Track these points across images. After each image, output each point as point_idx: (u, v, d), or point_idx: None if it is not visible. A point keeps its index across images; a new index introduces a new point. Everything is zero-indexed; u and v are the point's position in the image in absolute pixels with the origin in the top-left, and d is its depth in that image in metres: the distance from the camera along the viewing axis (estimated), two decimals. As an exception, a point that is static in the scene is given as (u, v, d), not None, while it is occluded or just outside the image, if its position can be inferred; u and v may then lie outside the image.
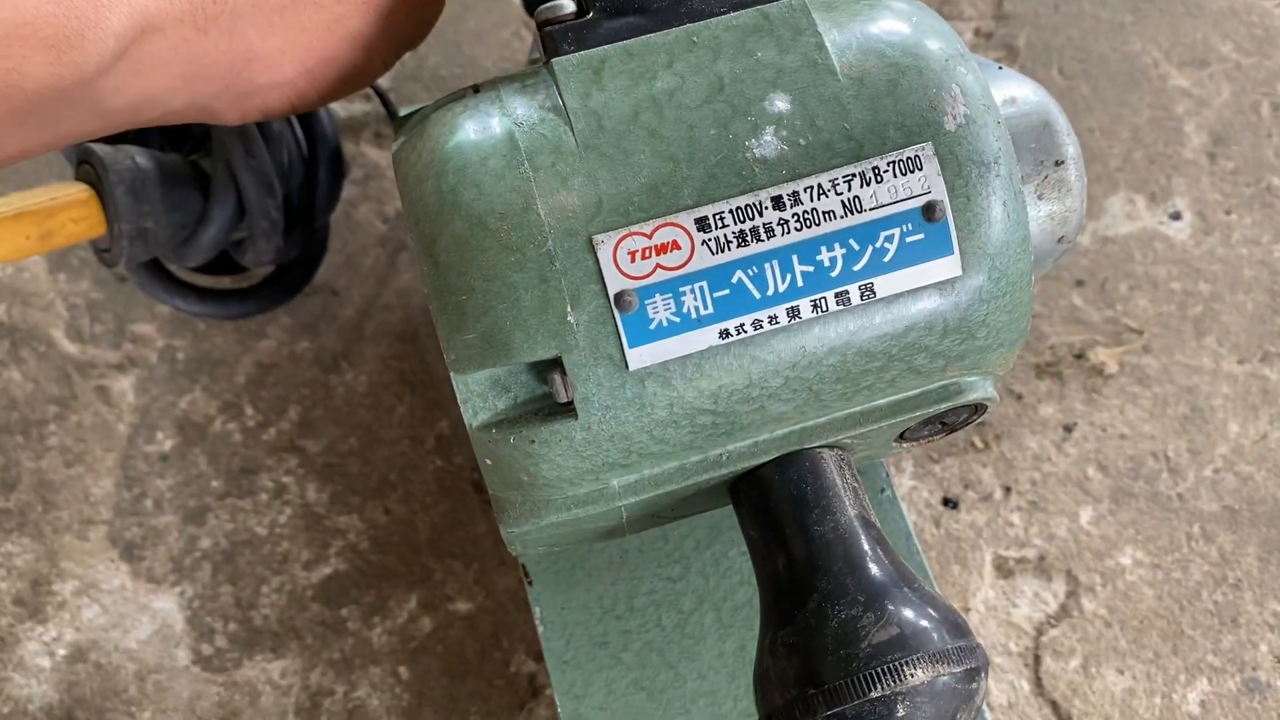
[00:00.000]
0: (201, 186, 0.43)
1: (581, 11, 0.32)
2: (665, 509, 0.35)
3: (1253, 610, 0.46)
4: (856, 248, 0.30)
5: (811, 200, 0.30)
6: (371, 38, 0.36)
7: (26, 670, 0.46)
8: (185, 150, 0.45)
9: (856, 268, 0.30)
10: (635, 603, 0.41)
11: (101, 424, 0.50)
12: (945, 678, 0.29)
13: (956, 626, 0.30)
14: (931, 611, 0.30)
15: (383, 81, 0.55)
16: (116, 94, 0.33)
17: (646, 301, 0.30)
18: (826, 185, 0.30)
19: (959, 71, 0.31)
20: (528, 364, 0.30)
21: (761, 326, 0.30)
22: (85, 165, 0.42)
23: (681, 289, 0.30)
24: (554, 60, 0.32)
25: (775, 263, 0.30)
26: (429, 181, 0.31)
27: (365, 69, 0.37)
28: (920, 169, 0.30)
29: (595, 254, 0.30)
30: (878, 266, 0.31)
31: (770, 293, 0.30)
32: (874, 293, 0.31)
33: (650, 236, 0.30)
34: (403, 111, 0.37)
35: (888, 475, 0.43)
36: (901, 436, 0.35)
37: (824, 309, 0.30)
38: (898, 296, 0.31)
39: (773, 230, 0.30)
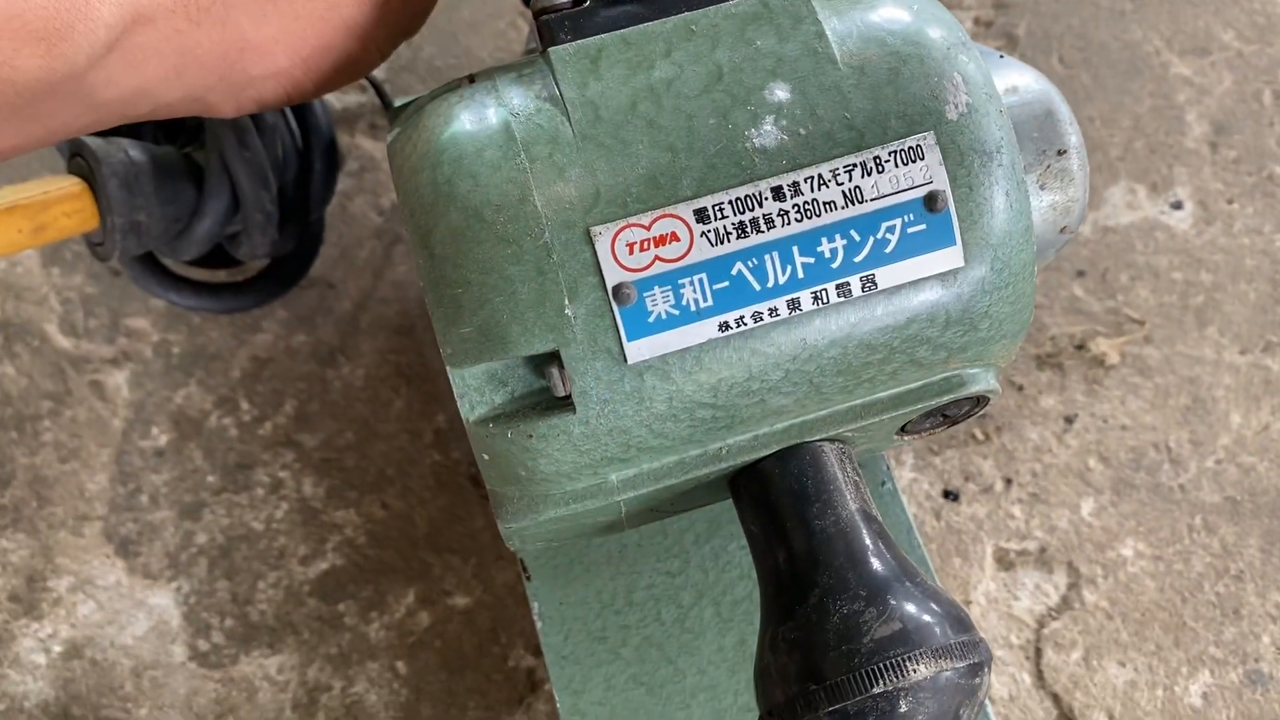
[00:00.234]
0: (195, 179, 0.43)
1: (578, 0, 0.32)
2: (664, 503, 0.35)
3: (1255, 602, 0.46)
4: (857, 239, 0.30)
5: (812, 191, 0.30)
6: (367, 26, 0.35)
7: (22, 667, 0.46)
8: (179, 143, 0.44)
9: (858, 259, 0.30)
10: (634, 597, 0.41)
11: (96, 419, 0.50)
12: (948, 673, 0.29)
13: (959, 621, 0.30)
14: (934, 606, 0.30)
15: (378, 73, 0.55)
16: (108, 87, 0.32)
17: (645, 294, 0.29)
18: (827, 175, 0.30)
19: (961, 60, 0.31)
20: (525, 358, 0.30)
21: (761, 319, 0.30)
22: (78, 158, 0.41)
23: (680, 281, 0.30)
24: (550, 49, 0.31)
25: (775, 254, 0.30)
26: (424, 173, 0.30)
27: (361, 58, 0.36)
28: (922, 158, 0.30)
29: (593, 246, 0.29)
30: (879, 258, 0.30)
31: (770, 284, 0.30)
32: (875, 284, 0.30)
33: (649, 228, 0.29)
34: (398, 102, 0.37)
35: (888, 468, 0.43)
36: (903, 429, 0.35)
37: (825, 301, 0.30)
38: (899, 288, 0.30)
39: (773, 221, 0.30)
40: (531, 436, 0.30)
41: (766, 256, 0.30)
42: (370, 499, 0.49)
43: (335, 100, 0.55)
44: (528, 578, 0.41)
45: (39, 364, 0.51)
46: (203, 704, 0.46)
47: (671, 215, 0.30)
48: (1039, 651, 0.46)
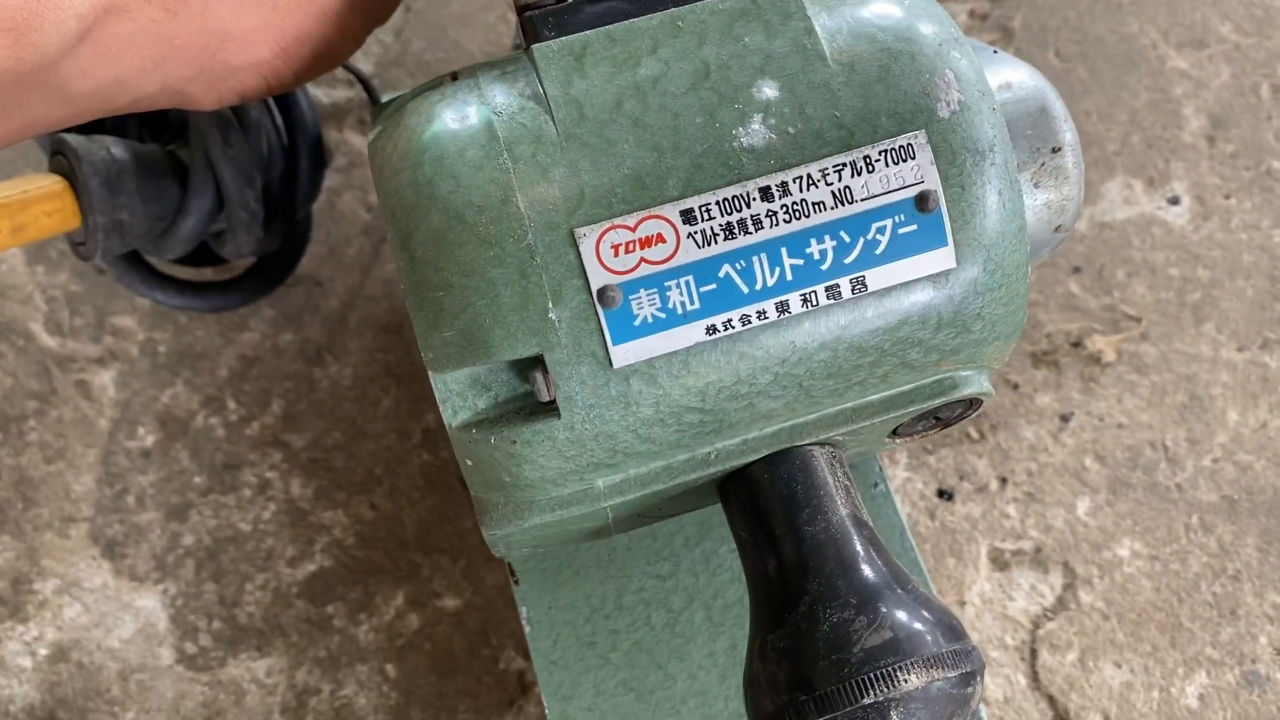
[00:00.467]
0: (179, 177, 0.42)
1: (563, -5, 0.31)
2: (652, 509, 0.34)
3: (1252, 602, 0.46)
4: (847, 240, 0.30)
5: (801, 191, 0.29)
6: (343, 13, 0.35)
7: (7, 670, 0.46)
8: (163, 140, 0.44)
9: (847, 260, 0.30)
10: (624, 601, 0.40)
11: (82, 419, 0.49)
12: (940, 683, 0.28)
13: (951, 629, 0.29)
14: (925, 614, 0.29)
15: (365, 67, 0.55)
16: (83, 78, 0.32)
17: (631, 297, 0.29)
18: (816, 175, 0.29)
19: (953, 56, 0.30)
20: (508, 362, 0.30)
21: (750, 322, 0.29)
22: (59, 156, 0.41)
23: (667, 284, 0.29)
24: (534, 46, 0.31)
25: (764, 256, 0.29)
26: (405, 173, 0.30)
27: (338, 45, 0.36)
28: (913, 158, 0.30)
29: (577, 248, 0.29)
30: (869, 259, 0.30)
31: (759, 287, 0.29)
32: (866, 286, 0.30)
33: (634, 229, 0.29)
34: (385, 98, 0.36)
35: (881, 469, 0.42)
36: (895, 432, 0.35)
37: (814, 303, 0.30)
38: (890, 290, 0.30)
39: (761, 222, 0.29)
40: (515, 442, 0.30)
41: (755, 258, 0.29)
42: (359, 499, 0.48)
43: (323, 95, 0.54)
44: (516, 581, 0.41)
45: (24, 363, 0.50)
46: (190, 707, 0.45)
47: (657, 216, 0.29)
48: (1034, 653, 0.45)
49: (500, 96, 0.30)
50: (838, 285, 0.30)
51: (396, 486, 0.48)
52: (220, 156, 0.41)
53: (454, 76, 0.32)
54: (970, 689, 0.29)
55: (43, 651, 0.46)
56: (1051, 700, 0.45)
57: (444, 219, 0.29)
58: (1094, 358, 0.49)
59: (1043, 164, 0.33)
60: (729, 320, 0.29)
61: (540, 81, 0.30)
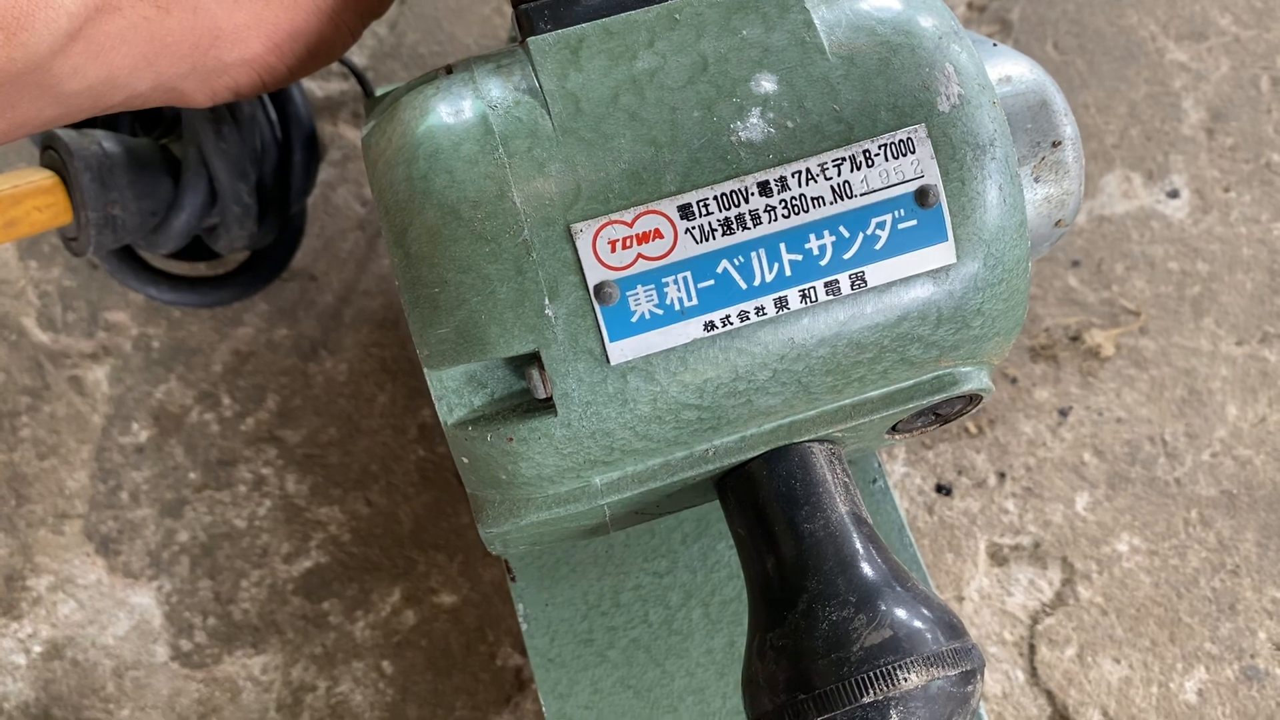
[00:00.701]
0: (172, 172, 0.42)
1: (559, -13, 0.31)
2: (650, 506, 0.34)
3: (1251, 597, 0.45)
4: (846, 235, 0.29)
5: (799, 186, 0.29)
6: (337, 8, 0.35)
7: (1, 668, 0.45)
8: (156, 134, 0.44)
9: (846, 256, 0.29)
10: (621, 599, 0.40)
11: (75, 415, 0.49)
12: (940, 681, 0.28)
13: (951, 627, 0.29)
14: (925, 612, 0.29)
15: (360, 60, 0.54)
16: (75, 77, 0.31)
17: (628, 293, 0.29)
18: (815, 170, 0.29)
19: (953, 49, 0.30)
20: (504, 359, 0.29)
21: (748, 318, 0.29)
22: (50, 151, 0.41)
23: (664, 280, 0.29)
24: (529, 39, 0.30)
25: (762, 251, 0.29)
26: (399, 168, 0.29)
27: (333, 41, 0.36)
28: (913, 152, 0.29)
29: (574, 244, 0.28)
30: (869, 254, 0.29)
31: (757, 283, 0.29)
32: (865, 282, 0.29)
33: (631, 225, 0.29)
34: (379, 91, 0.36)
35: (880, 465, 0.42)
36: (894, 428, 0.34)
37: (813, 299, 0.29)
38: (890, 285, 0.30)
39: (759, 217, 0.29)
40: (512, 440, 0.29)
41: (753, 254, 0.29)
42: (354, 495, 0.48)
43: (317, 88, 0.54)
44: (513, 579, 0.40)
45: (17, 358, 0.50)
46: (185, 705, 0.45)
47: (655, 212, 0.29)
48: (1033, 648, 0.45)
49: (495, 90, 0.30)
50: (837, 281, 0.29)
51: (392, 482, 0.48)
52: (213, 150, 0.41)
53: (449, 70, 0.31)
54: (970, 687, 0.29)
55: (37, 649, 0.46)
56: (1050, 696, 0.44)
57: (439, 214, 0.29)
58: (1093, 352, 0.49)
59: (1043, 158, 0.32)
60: (727, 316, 0.29)
61: (536, 75, 0.30)
